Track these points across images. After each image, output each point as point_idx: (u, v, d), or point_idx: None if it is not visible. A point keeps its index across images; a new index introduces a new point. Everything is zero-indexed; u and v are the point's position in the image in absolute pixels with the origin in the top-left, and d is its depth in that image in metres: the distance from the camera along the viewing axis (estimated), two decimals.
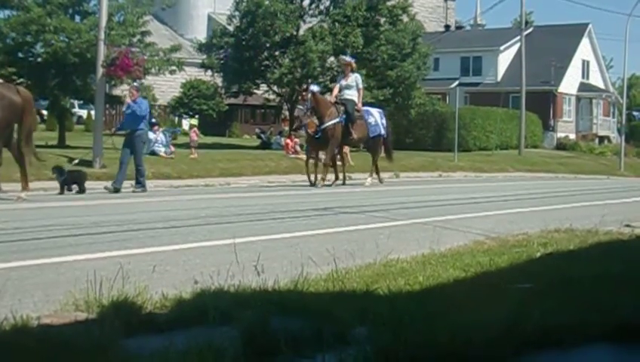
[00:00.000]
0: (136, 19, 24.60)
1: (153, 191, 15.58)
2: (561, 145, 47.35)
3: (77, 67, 23.77)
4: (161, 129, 25.50)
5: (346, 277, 5.20)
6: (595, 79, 54.26)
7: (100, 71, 18.91)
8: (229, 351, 3.28)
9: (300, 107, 17.70)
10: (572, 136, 50.04)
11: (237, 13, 32.20)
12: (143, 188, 15.36)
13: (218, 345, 3.31)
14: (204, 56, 33.32)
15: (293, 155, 24.69)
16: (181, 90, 42.61)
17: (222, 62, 32.38)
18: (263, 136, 35.34)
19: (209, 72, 34.00)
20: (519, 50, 41.35)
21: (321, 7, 32.53)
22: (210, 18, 52.20)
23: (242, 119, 46.90)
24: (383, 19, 32.48)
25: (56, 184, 14.53)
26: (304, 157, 20.22)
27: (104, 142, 18.54)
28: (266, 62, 32.01)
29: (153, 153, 22.44)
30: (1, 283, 4.92)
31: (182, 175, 19.07)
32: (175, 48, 26.30)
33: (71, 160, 17.01)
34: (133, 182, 15.42)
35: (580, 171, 34.26)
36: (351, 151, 22.24)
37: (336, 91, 17.94)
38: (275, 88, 32.47)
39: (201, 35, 41.14)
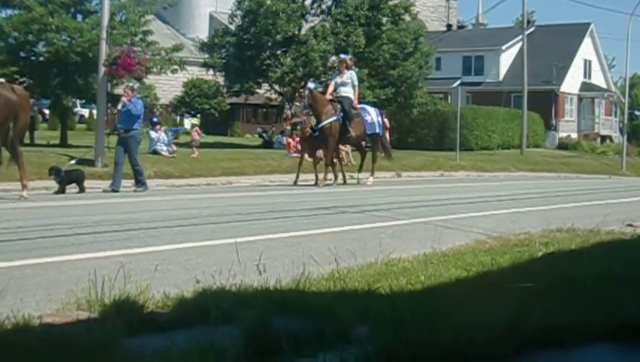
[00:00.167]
0: (138, 19, 24.64)
1: (155, 191, 15.58)
2: (563, 145, 47.33)
3: (79, 66, 23.81)
4: (163, 128, 25.53)
5: (348, 277, 5.20)
6: (597, 79, 54.22)
7: (102, 70, 18.91)
8: (231, 350, 3.28)
9: (297, 104, 17.57)
10: (574, 136, 50.02)
11: (239, 12, 32.25)
12: (145, 187, 15.32)
13: (220, 344, 3.31)
14: (206, 56, 33.36)
15: (295, 154, 24.66)
16: (183, 89, 42.67)
17: (224, 61, 32.41)
18: (264, 135, 35.40)
19: (211, 71, 34.05)
20: (521, 49, 41.34)
21: (323, 6, 32.57)
22: (211, 17, 52.25)
23: (244, 118, 46.94)
24: (384, 19, 32.50)
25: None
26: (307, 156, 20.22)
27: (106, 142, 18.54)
28: (268, 62, 32.05)
29: (155, 152, 22.47)
30: (3, 283, 4.93)
31: (184, 174, 19.08)
32: (177, 48, 26.33)
33: (72, 159, 17.00)
34: (133, 181, 15.41)
35: (582, 171, 34.24)
36: (352, 150, 22.21)
37: (331, 89, 17.79)
38: (276, 87, 32.50)
39: (203, 34, 41.16)
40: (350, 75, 17.77)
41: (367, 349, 3.30)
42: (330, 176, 17.82)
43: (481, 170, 28.71)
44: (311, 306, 4.07)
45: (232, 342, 3.36)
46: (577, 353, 3.51)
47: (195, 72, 39.90)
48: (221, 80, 34.98)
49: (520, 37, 42.37)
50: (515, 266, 5.84)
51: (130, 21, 24.26)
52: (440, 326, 3.45)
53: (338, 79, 17.79)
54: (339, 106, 17.25)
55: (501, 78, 49.82)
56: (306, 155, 18.41)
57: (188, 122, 41.71)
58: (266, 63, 32.04)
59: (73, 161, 16.06)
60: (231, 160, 22.07)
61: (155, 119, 25.91)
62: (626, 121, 45.46)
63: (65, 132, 27.24)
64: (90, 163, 18.22)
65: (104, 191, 14.81)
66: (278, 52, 31.63)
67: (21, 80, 24.07)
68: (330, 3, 32.48)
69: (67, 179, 14.42)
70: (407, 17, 33.14)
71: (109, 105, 21.62)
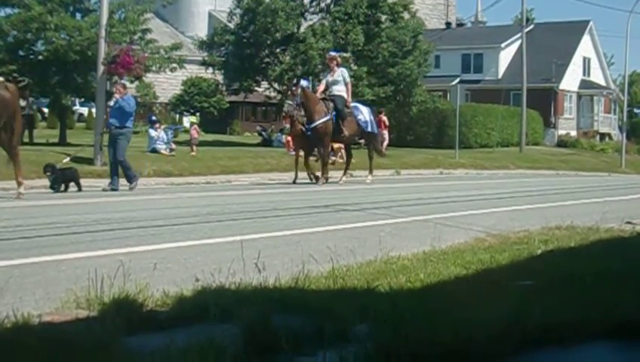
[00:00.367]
0: (137, 17, 24.60)
1: (154, 189, 15.58)
2: (562, 143, 47.34)
3: (78, 65, 23.78)
4: (163, 126, 25.52)
5: (347, 275, 5.20)
6: (596, 76, 54.23)
7: (101, 68, 18.92)
8: (230, 348, 3.28)
9: (290, 102, 17.43)
10: (573, 134, 50.03)
11: (238, 10, 32.22)
12: (136, 180, 15.14)
13: (219, 342, 3.31)
14: (205, 54, 33.34)
15: (294, 153, 24.67)
16: (182, 87, 42.65)
17: (223, 59, 32.40)
18: (263, 133, 35.37)
19: (210, 70, 34.03)
20: (520, 47, 41.34)
21: (322, 4, 32.57)
22: (210, 15, 52.23)
23: (243, 117, 46.94)
24: (383, 17, 32.51)
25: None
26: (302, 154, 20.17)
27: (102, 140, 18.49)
28: (267, 60, 32.04)
29: (154, 150, 22.47)
30: (3, 281, 4.93)
31: (183, 172, 19.08)
32: (176, 46, 26.30)
33: (67, 156, 16.97)
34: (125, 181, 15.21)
35: (581, 168, 34.26)
36: (352, 148, 22.18)
37: (322, 88, 17.64)
38: (275, 85, 32.48)
39: (202, 33, 41.17)
40: (341, 73, 17.58)
41: (367, 347, 3.30)
42: (318, 173, 17.60)
43: (480, 167, 28.73)
44: (310, 304, 4.07)
45: (231, 340, 3.36)
46: (576, 351, 3.51)
47: (194, 71, 39.89)
48: (220, 78, 34.97)
49: (519, 35, 42.37)
50: (514, 264, 5.84)
51: (129, 19, 24.23)
52: (439, 324, 3.45)
53: (329, 78, 17.60)
54: (331, 105, 17.07)
55: (500, 75, 49.82)
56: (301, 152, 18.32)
57: (187, 120, 41.70)
58: (265, 61, 32.03)
59: (67, 159, 16.01)
60: (230, 158, 22.08)
61: (154, 117, 25.90)
62: (625, 119, 45.49)
63: (64, 130, 27.23)
64: (89, 161, 18.22)
65: (103, 189, 14.81)
66: (277, 50, 31.62)
67: (20, 78, 24.07)
68: (329, 1, 32.47)
69: (62, 177, 14.39)
70: (406, 15, 33.13)
71: (108, 103, 21.61)
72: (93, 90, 21.83)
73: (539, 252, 6.47)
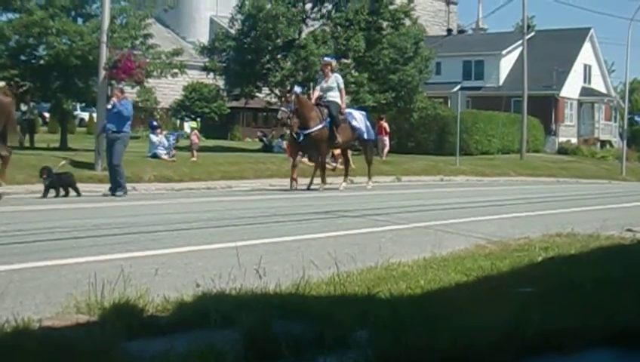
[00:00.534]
0: (139, 22, 24.66)
1: (154, 194, 15.58)
2: (563, 150, 47.34)
3: (79, 70, 23.82)
4: (164, 132, 25.53)
5: (348, 281, 5.20)
6: (597, 83, 54.25)
7: (102, 73, 18.93)
8: (230, 354, 3.29)
9: (284, 109, 17.28)
10: (574, 141, 50.03)
11: (239, 16, 32.26)
12: (122, 191, 14.75)
13: (219, 348, 3.31)
14: (206, 59, 33.37)
15: None
16: (183, 93, 42.69)
17: (224, 65, 32.43)
18: (264, 139, 35.41)
19: (211, 75, 34.05)
20: (521, 54, 41.38)
21: (323, 10, 32.59)
22: (212, 21, 52.29)
23: (244, 122, 46.96)
24: (385, 23, 32.54)
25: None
26: (305, 160, 20.19)
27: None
28: (268, 66, 32.05)
29: (155, 156, 22.48)
30: (3, 286, 4.93)
31: (183, 178, 19.07)
32: (177, 51, 26.34)
33: (72, 162, 16.98)
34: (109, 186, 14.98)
35: (582, 176, 34.24)
36: (352, 154, 22.20)
37: (316, 94, 17.51)
38: (276, 91, 32.50)
39: (203, 38, 41.20)
40: (335, 79, 17.49)
41: (367, 353, 3.30)
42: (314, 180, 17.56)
43: (481, 174, 28.71)
44: (311, 310, 4.07)
45: (231, 346, 3.36)
46: (576, 358, 3.51)
47: (195, 76, 39.93)
48: (221, 84, 34.98)
49: (520, 42, 42.40)
50: (514, 271, 5.84)
51: (131, 25, 24.28)
52: (439, 331, 3.45)
53: (324, 84, 17.47)
54: (325, 111, 16.98)
55: (501, 82, 49.85)
56: (300, 158, 18.28)
57: (187, 126, 41.72)
58: (266, 67, 32.05)
59: (64, 162, 15.97)
60: (231, 164, 22.07)
61: (155, 123, 25.91)
62: (625, 126, 45.47)
63: (65, 135, 27.26)
64: (90, 166, 18.22)
65: (104, 194, 14.80)
66: (279, 56, 31.63)
67: (22, 83, 24.12)
68: (330, 7, 32.51)
69: (58, 181, 14.35)
70: (407, 22, 33.17)
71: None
72: (95, 95, 21.85)
73: (539, 259, 6.47)
